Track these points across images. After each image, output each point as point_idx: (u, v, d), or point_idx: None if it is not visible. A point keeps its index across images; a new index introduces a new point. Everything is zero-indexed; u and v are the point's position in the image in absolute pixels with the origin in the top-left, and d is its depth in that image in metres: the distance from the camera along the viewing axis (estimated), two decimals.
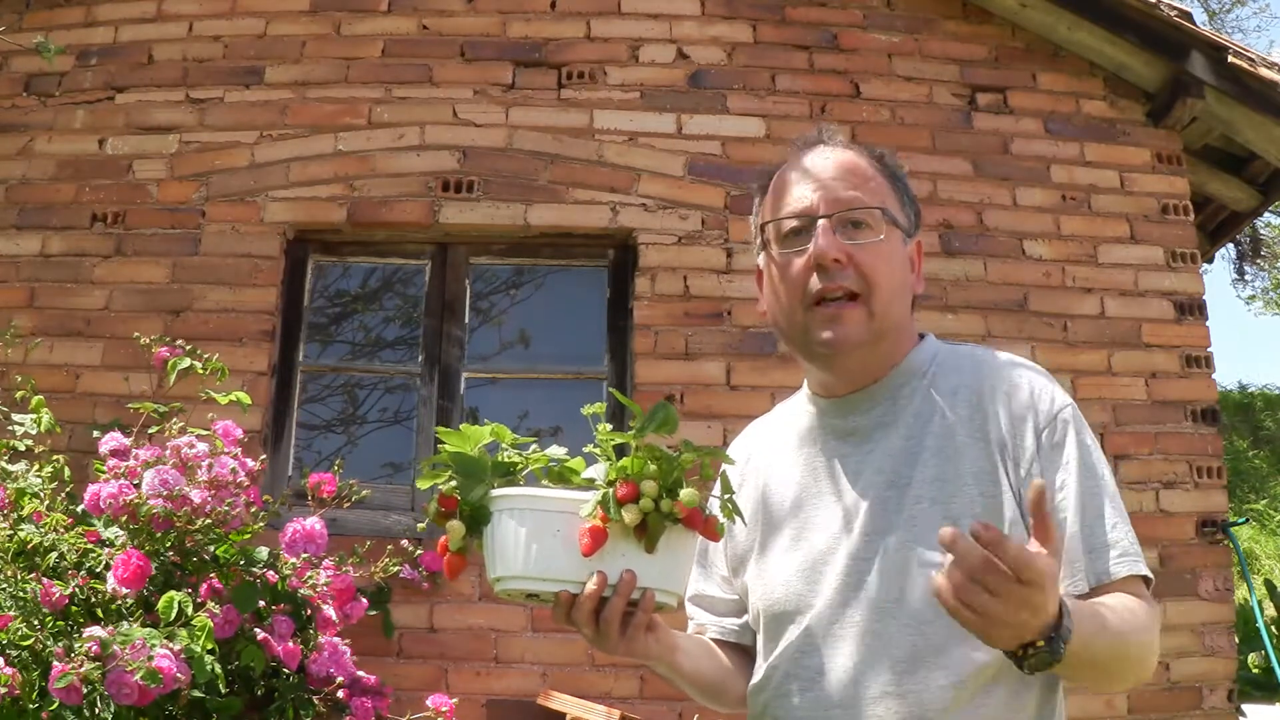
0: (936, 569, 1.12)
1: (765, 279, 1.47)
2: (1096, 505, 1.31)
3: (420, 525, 1.44)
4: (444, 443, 1.34)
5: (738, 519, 1.33)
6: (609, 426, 1.33)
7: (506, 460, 1.33)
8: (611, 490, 1.25)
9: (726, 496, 1.31)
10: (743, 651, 1.53)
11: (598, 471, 1.30)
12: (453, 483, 1.31)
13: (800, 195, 1.42)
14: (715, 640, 1.55)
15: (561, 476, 1.32)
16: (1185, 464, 3.68)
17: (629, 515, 1.23)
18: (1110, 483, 1.34)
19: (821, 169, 1.43)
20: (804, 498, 1.43)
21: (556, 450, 1.35)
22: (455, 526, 1.30)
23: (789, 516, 1.44)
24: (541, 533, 1.26)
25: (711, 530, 1.28)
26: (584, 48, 4.00)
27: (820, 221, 1.38)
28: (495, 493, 1.30)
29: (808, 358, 1.44)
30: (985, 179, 3.90)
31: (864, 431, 1.41)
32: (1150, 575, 1.31)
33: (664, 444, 1.29)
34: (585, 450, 1.35)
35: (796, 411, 1.52)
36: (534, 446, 1.36)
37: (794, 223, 1.41)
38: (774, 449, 1.52)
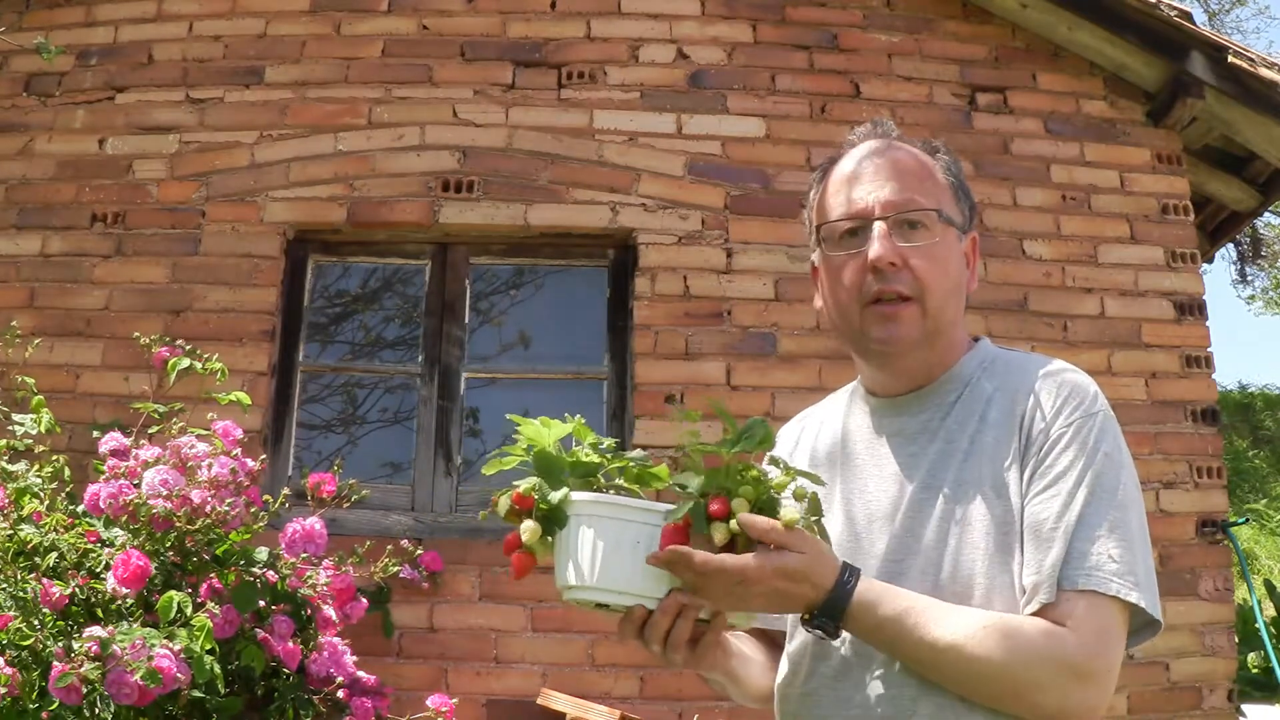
0: (955, 572, 1.28)
1: (821, 277, 1.47)
2: (1090, 517, 1.26)
3: (481, 514, 1.40)
4: (519, 433, 1.30)
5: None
6: (700, 433, 1.29)
7: (586, 460, 1.29)
8: (703, 503, 1.20)
9: (815, 519, 1.27)
10: (776, 641, 1.52)
11: (686, 480, 1.25)
12: (532, 481, 1.27)
13: (856, 196, 1.41)
14: (757, 630, 1.54)
15: (641, 480, 1.28)
16: (1185, 464, 3.68)
17: (719, 533, 1.19)
18: (1103, 501, 1.27)
19: (877, 167, 1.41)
20: (846, 494, 1.44)
21: (638, 453, 1.31)
22: (531, 527, 1.25)
23: (830, 513, 1.43)
24: (621, 543, 1.22)
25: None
26: (584, 48, 4.00)
27: (876, 224, 1.38)
28: (576, 496, 1.25)
29: (864, 356, 1.45)
30: (985, 179, 3.90)
31: (909, 434, 1.41)
32: (1128, 599, 1.23)
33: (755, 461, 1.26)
34: (671, 454, 1.32)
35: (848, 404, 1.52)
36: (609, 444, 1.32)
37: (849, 224, 1.41)
38: (822, 438, 1.52)
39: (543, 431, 1.29)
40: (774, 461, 1.31)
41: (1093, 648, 1.22)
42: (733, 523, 1.20)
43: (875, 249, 1.36)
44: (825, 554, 1.25)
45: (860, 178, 1.42)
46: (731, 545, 1.21)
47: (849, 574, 1.25)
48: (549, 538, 1.27)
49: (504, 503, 1.28)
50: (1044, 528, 1.27)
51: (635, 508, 1.24)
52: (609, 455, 1.30)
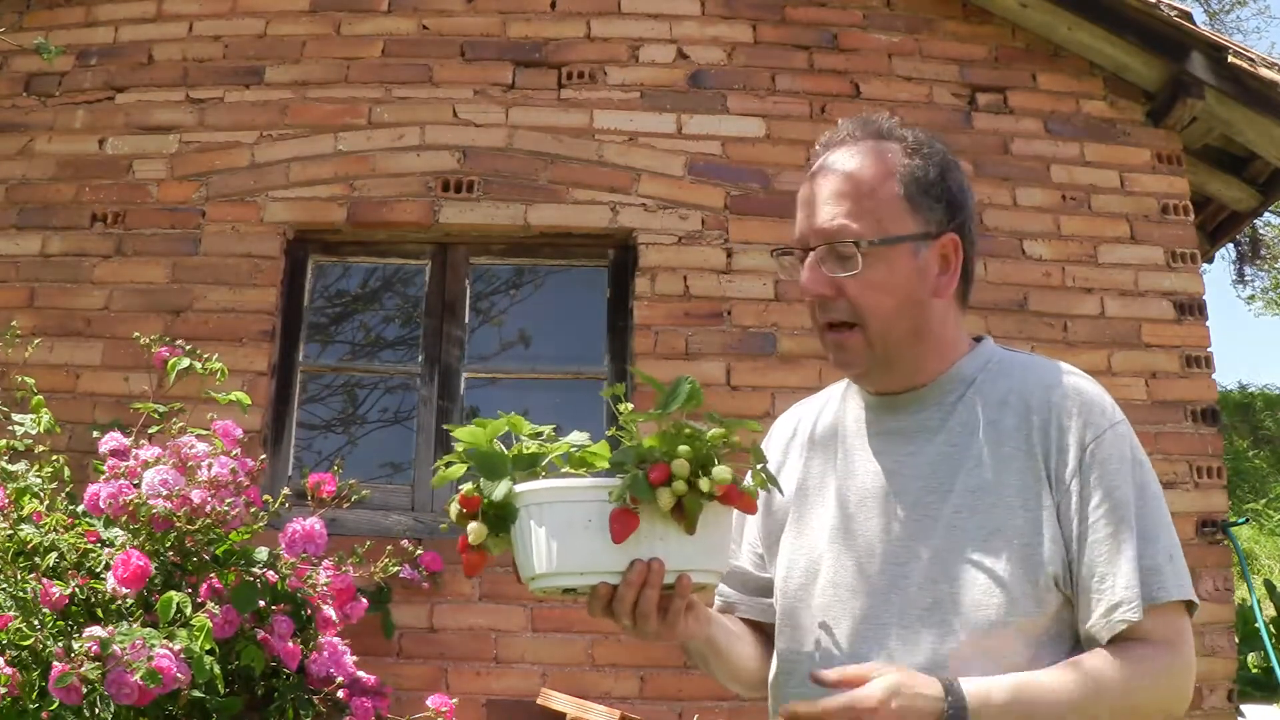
0: (971, 579, 1.28)
1: None
2: (1124, 536, 1.30)
3: (442, 525, 1.39)
4: (458, 440, 1.28)
5: (774, 490, 1.29)
6: (630, 406, 1.27)
7: (526, 452, 1.28)
8: (642, 473, 1.18)
9: (760, 466, 1.27)
10: (768, 633, 1.51)
11: (624, 455, 1.23)
12: (472, 483, 1.25)
13: (799, 221, 1.41)
14: (744, 620, 1.53)
15: (584, 463, 1.26)
16: (1185, 464, 3.68)
17: (664, 498, 1.17)
18: (1150, 507, 1.33)
19: (817, 190, 1.40)
20: (840, 491, 1.42)
21: (577, 436, 1.29)
22: (476, 528, 1.24)
23: (822, 507, 1.43)
24: (572, 525, 1.20)
25: (748, 503, 1.23)
26: (584, 48, 4.01)
27: (808, 256, 1.38)
28: (520, 488, 1.23)
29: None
30: (985, 179, 3.90)
31: (907, 433, 1.40)
32: (1186, 599, 1.31)
33: (690, 421, 1.24)
34: (609, 434, 1.29)
35: (845, 398, 1.51)
36: (547, 432, 1.30)
37: (789, 256, 1.42)
38: (817, 432, 1.51)
39: (478, 432, 1.27)
40: (759, 455, 1.30)
41: (1186, 653, 1.31)
42: (676, 484, 1.18)
43: (802, 280, 1.38)
44: (901, 666, 1.26)
45: (805, 202, 1.42)
46: (679, 507, 1.19)
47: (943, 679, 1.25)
48: (501, 534, 1.25)
49: (454, 508, 1.27)
50: (1116, 543, 1.29)
51: (579, 487, 1.22)
52: (548, 444, 1.29)
